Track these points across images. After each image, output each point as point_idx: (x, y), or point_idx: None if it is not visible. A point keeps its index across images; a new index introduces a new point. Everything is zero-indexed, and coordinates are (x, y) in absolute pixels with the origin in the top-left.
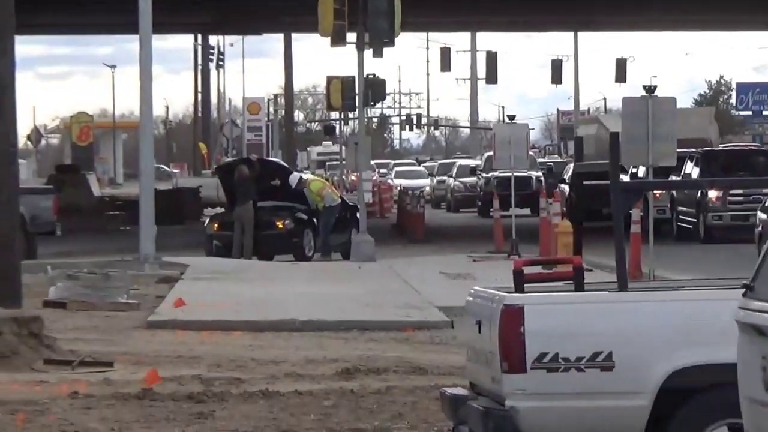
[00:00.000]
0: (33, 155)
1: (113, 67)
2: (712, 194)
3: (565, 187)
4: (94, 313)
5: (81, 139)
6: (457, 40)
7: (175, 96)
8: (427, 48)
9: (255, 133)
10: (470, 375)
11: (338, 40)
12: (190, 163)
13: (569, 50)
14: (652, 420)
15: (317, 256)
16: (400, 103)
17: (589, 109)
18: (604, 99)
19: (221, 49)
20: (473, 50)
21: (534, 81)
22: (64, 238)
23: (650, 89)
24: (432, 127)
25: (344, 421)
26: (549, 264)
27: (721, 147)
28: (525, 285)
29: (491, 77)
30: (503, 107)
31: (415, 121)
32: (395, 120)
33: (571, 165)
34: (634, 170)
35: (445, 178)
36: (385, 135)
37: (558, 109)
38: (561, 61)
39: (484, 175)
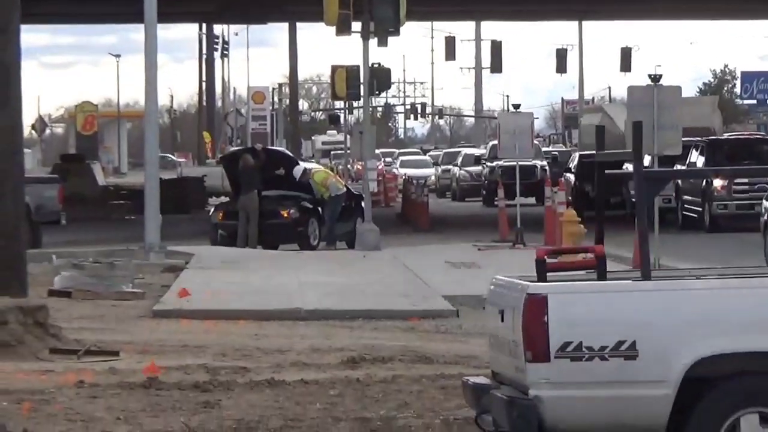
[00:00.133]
0: (37, 145)
1: (118, 56)
2: (718, 183)
3: (571, 176)
4: (99, 302)
5: (85, 129)
6: (462, 30)
7: (179, 85)
8: (432, 37)
9: (259, 122)
10: (492, 364)
11: (343, 29)
12: (195, 153)
13: (574, 39)
14: (675, 409)
15: (322, 245)
16: (404, 92)
17: (593, 99)
18: (609, 88)
19: (226, 39)
20: (478, 39)
21: (539, 70)
22: (69, 227)
23: (656, 78)
24: (436, 116)
25: (350, 410)
26: (571, 253)
27: (725, 136)
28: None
29: (496, 66)
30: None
31: (419, 110)
32: (400, 109)
33: (577, 154)
34: None
35: (450, 167)
36: (390, 124)
37: (562, 98)
38: (566, 50)
39: (488, 164)
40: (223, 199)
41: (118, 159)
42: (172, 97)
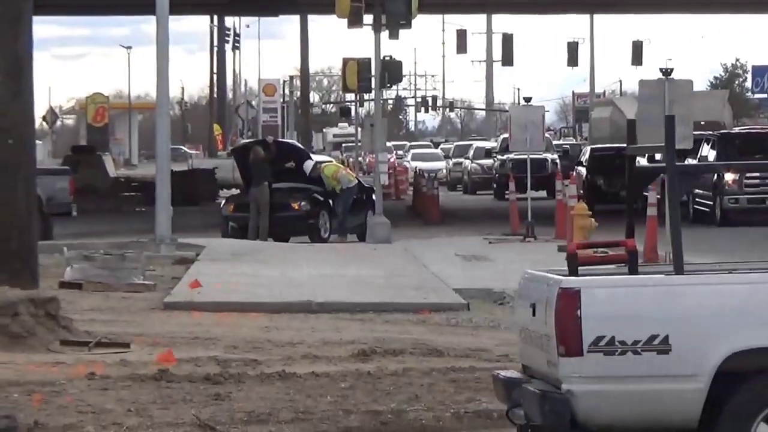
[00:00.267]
0: (49, 136)
1: (129, 48)
2: (729, 177)
3: (582, 170)
4: (110, 294)
5: (96, 120)
6: (473, 23)
7: (190, 77)
8: (443, 30)
9: (270, 115)
10: (523, 357)
11: (355, 21)
12: (205, 145)
13: (585, 33)
14: (708, 403)
15: (333, 238)
16: (415, 85)
17: (604, 92)
18: (620, 82)
19: (237, 31)
20: (489, 32)
21: (550, 63)
22: (80, 218)
23: (667, 72)
24: (447, 109)
25: (361, 402)
26: (603, 247)
27: (736, 130)
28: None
29: (507, 59)
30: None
31: (430, 103)
32: (411, 102)
33: (588, 147)
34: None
35: (461, 160)
36: (401, 117)
37: (573, 92)
38: (577, 43)
39: (499, 157)
40: (234, 191)
41: (129, 151)
42: (183, 89)
